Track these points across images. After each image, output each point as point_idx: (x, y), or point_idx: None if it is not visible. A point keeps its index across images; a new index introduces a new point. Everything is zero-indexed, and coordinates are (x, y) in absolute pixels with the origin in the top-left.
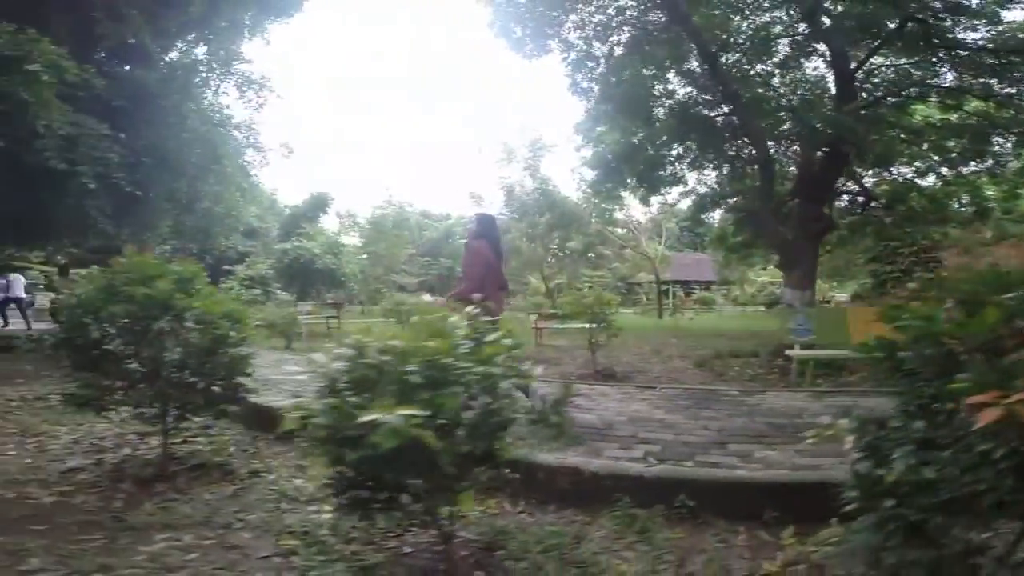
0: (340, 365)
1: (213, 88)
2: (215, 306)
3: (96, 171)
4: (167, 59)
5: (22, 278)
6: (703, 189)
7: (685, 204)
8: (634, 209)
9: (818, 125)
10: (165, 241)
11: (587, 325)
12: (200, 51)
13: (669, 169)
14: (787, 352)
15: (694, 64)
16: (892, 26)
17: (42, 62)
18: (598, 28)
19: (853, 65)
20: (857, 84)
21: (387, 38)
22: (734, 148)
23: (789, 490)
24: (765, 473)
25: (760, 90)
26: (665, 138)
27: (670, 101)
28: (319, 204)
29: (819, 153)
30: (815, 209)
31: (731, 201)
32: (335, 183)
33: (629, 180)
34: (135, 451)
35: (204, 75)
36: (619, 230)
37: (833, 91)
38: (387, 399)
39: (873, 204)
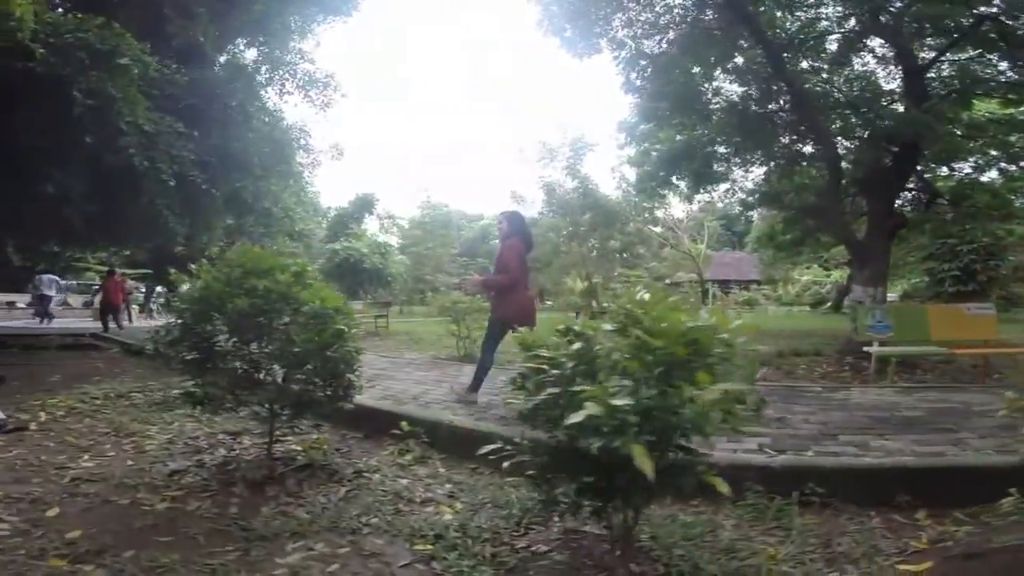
0: (572, 349)
1: (277, 88)
2: (331, 300)
3: (172, 169)
4: (220, 61)
5: (57, 279)
6: (749, 185)
7: (722, 202)
8: (674, 208)
9: (887, 123)
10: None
11: None
12: (250, 53)
13: (723, 166)
14: (866, 349)
15: (750, 61)
16: (964, 24)
17: (130, 56)
18: (646, 26)
19: (923, 63)
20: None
21: (416, 41)
22: (781, 145)
23: (916, 475)
24: (891, 460)
25: (819, 87)
26: (718, 136)
27: (717, 98)
28: (365, 205)
29: (886, 151)
30: (885, 206)
31: (785, 198)
32: (369, 184)
33: (675, 178)
34: (231, 451)
35: (269, 74)
36: (656, 229)
37: (884, 87)
38: (691, 376)
39: (938, 201)
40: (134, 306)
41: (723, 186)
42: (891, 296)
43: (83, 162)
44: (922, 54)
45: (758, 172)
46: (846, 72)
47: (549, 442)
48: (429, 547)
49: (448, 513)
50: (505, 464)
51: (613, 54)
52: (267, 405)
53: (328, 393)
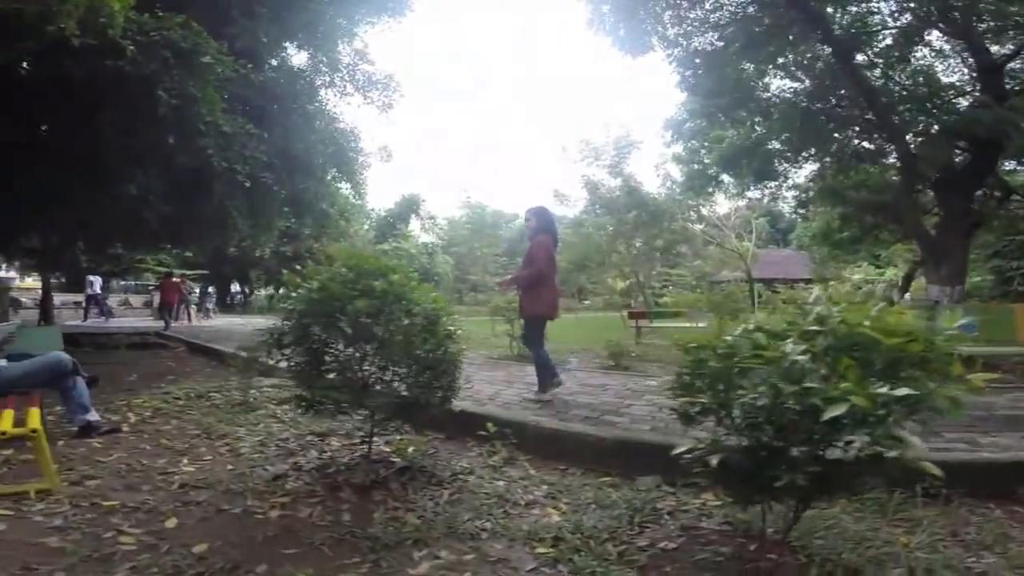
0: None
1: (338, 89)
2: (441, 300)
3: (245, 171)
4: (272, 63)
5: (99, 279)
6: (800, 182)
7: (772, 199)
8: (718, 205)
9: (952, 118)
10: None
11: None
12: (300, 57)
13: (781, 163)
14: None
15: (800, 56)
16: None
17: (211, 55)
18: (695, 23)
19: (999, 59)
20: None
21: (450, 39)
22: (841, 141)
23: None
24: (1009, 455)
25: (879, 82)
26: (777, 133)
27: (771, 95)
28: (410, 206)
29: (956, 147)
30: (962, 204)
31: (847, 195)
32: (403, 183)
33: (733, 175)
34: (322, 453)
35: (329, 76)
36: (698, 227)
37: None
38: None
39: (1012, 197)
40: (192, 306)
41: (774, 183)
42: None
43: (162, 163)
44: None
45: (811, 169)
46: (905, 67)
47: (751, 440)
48: (550, 550)
49: (555, 515)
50: (713, 461)
51: (666, 52)
52: (372, 409)
53: (437, 396)
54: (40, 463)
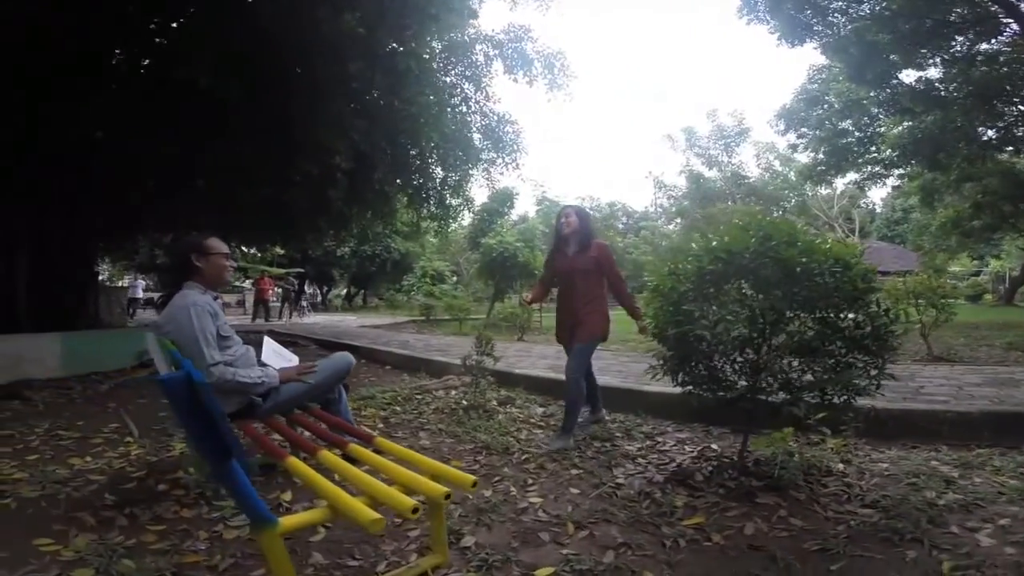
0: None
1: (499, 69)
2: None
3: (447, 148)
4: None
5: (141, 281)
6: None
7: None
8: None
9: None
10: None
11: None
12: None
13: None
14: None
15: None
16: None
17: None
18: (836, 14)
19: None
20: None
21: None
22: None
23: None
24: None
25: None
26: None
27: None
28: (504, 200)
29: None
30: None
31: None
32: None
33: (907, 166)
34: (634, 460)
35: (486, 55)
36: (794, 218)
37: None
38: None
39: None
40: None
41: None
42: None
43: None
44: None
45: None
46: None
47: None
48: None
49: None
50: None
51: (821, 42)
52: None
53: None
54: (434, 532)
